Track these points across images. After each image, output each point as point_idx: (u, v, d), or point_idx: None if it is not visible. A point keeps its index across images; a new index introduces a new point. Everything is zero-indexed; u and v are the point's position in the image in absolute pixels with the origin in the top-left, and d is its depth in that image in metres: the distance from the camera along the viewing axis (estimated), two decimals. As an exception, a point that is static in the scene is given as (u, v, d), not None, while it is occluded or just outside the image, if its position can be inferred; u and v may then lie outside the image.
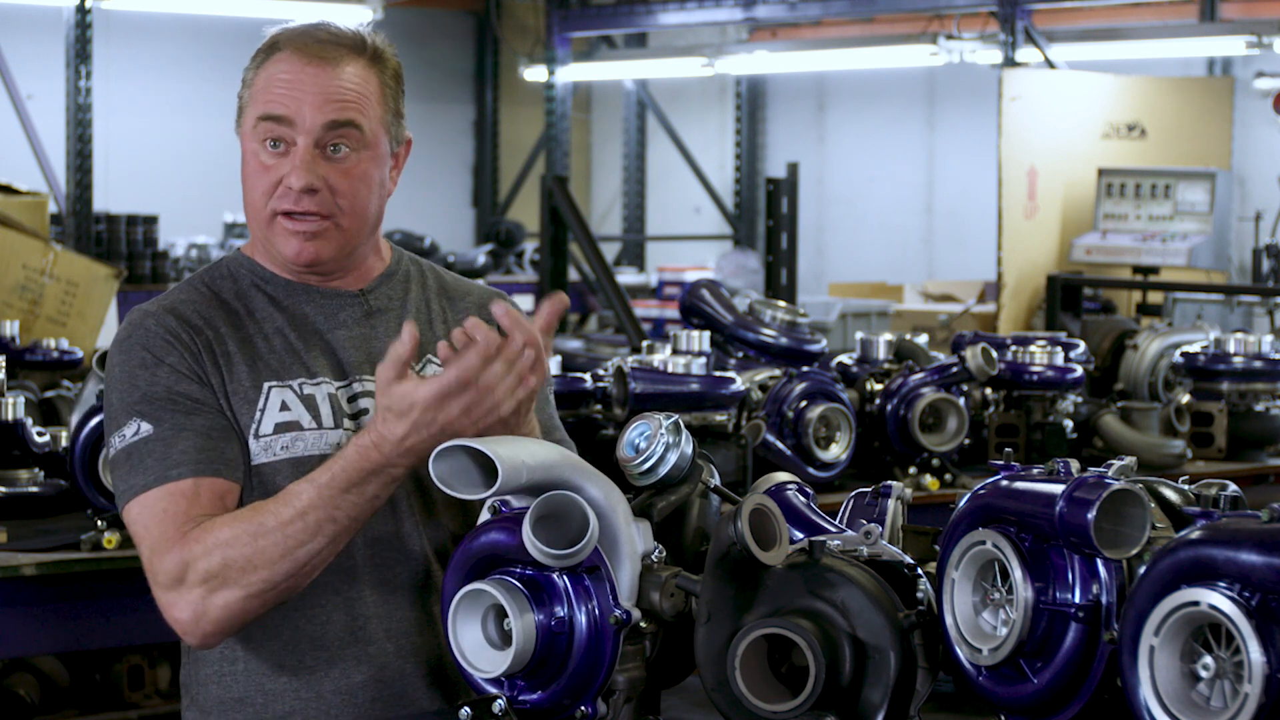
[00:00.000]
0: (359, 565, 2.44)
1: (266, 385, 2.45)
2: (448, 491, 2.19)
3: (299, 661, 2.44)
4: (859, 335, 5.45)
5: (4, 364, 4.45)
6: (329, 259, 2.48)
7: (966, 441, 4.99)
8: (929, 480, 4.93)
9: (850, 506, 2.32)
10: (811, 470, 4.72)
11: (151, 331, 2.43)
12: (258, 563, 2.28)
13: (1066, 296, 7.99)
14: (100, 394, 4.11)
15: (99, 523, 3.97)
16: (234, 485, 2.39)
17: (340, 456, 2.31)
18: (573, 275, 11.87)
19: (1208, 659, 1.79)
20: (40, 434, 4.38)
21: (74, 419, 4.21)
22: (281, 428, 2.44)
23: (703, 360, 4.69)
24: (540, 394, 2.62)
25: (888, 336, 5.32)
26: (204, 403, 2.40)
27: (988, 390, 5.26)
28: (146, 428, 2.37)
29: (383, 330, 2.54)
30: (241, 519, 2.31)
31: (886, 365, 5.14)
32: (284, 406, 2.45)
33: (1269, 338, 5.74)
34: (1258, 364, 5.64)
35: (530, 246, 13.65)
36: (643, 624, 2.17)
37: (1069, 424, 5.28)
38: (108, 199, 12.61)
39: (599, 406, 4.66)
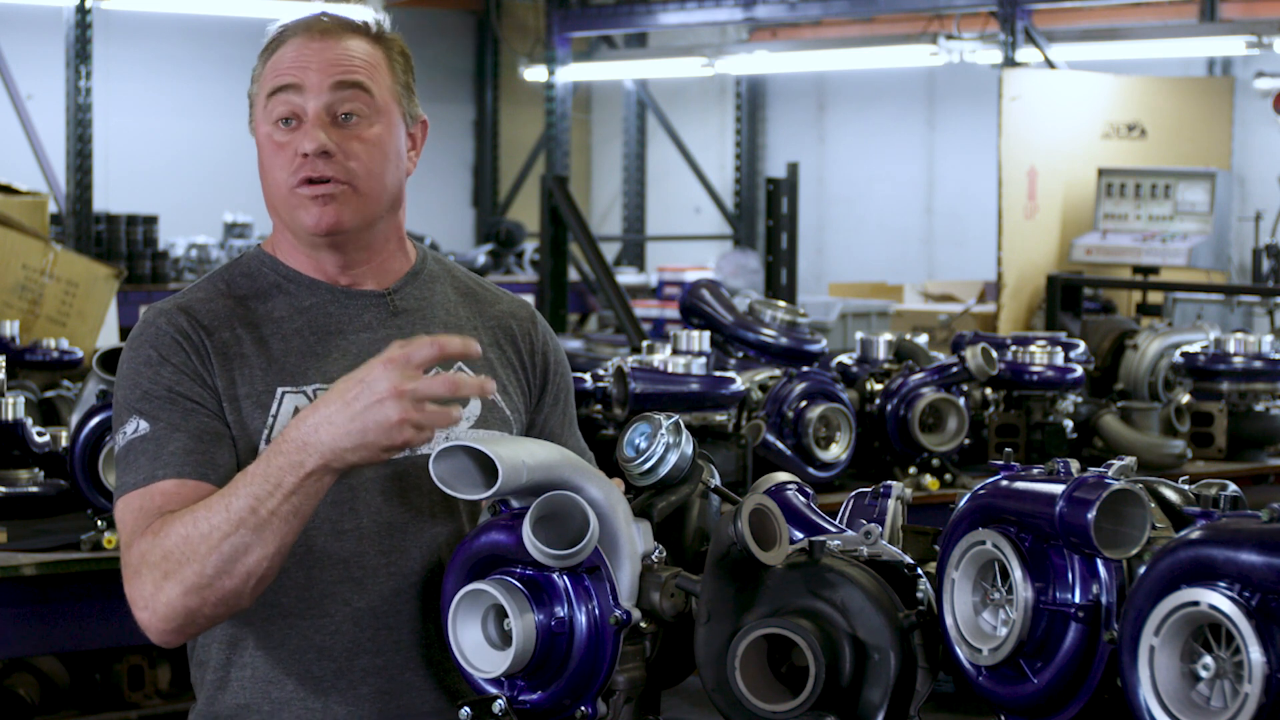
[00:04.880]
0: (368, 576, 2.42)
1: (280, 390, 2.41)
2: (448, 492, 2.18)
3: (306, 671, 2.42)
4: (859, 335, 5.45)
5: (4, 364, 4.44)
6: (351, 227, 2.44)
7: (966, 441, 4.99)
8: (929, 480, 4.93)
9: (850, 506, 2.31)
10: (811, 470, 4.72)
11: (161, 330, 2.42)
12: (189, 555, 2.23)
13: (1066, 296, 7.99)
14: (100, 394, 4.11)
15: (99, 523, 3.97)
16: (216, 490, 2.32)
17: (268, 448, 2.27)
18: (573, 275, 11.86)
19: (1208, 659, 1.79)
20: (40, 434, 4.38)
21: (74, 419, 4.21)
22: None
23: (703, 360, 4.69)
24: (565, 414, 2.63)
25: (888, 336, 5.32)
26: (203, 404, 2.38)
27: (988, 390, 5.26)
28: (144, 426, 2.35)
29: (409, 331, 2.48)
30: (185, 512, 2.27)
31: (886, 365, 5.14)
32: (296, 412, 2.37)
33: (1269, 338, 5.74)
34: (1258, 364, 5.64)
35: (530, 246, 13.64)
36: (643, 624, 2.17)
37: (1069, 424, 5.28)
38: (108, 199, 12.61)
39: (599, 406, 4.66)
